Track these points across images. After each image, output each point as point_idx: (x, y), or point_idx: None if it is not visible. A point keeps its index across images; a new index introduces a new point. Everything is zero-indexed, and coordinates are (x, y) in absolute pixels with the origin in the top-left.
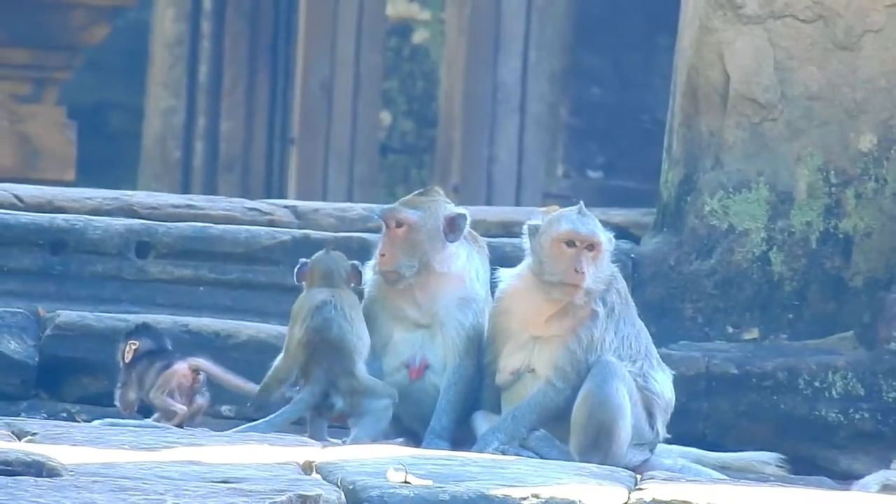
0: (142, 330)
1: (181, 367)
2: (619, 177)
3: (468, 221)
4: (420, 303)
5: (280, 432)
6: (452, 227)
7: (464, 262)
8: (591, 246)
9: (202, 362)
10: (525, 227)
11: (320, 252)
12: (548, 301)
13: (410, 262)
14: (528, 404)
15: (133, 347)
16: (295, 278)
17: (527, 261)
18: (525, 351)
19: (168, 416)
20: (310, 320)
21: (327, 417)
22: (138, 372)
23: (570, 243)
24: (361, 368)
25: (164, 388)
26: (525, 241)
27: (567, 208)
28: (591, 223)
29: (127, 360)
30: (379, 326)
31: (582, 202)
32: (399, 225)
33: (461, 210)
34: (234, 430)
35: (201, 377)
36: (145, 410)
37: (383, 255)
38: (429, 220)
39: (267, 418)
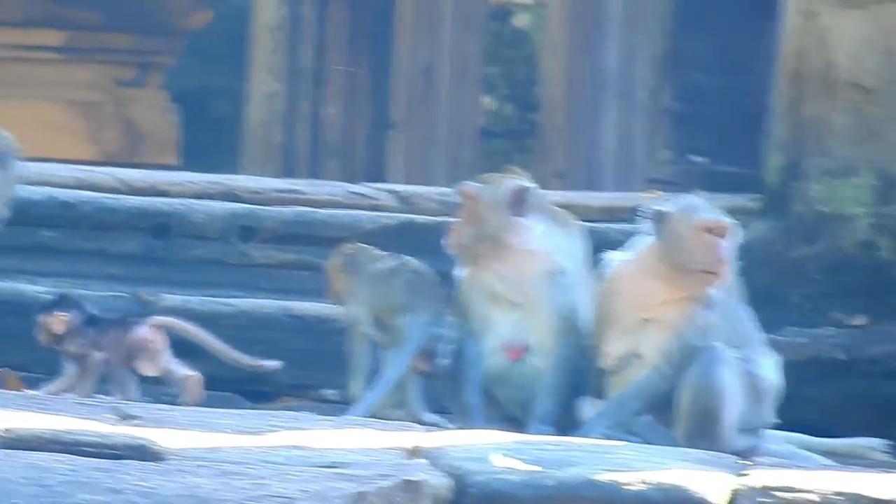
0: (65, 301)
1: (144, 331)
2: (724, 162)
3: (533, 194)
4: (507, 278)
5: (381, 416)
6: (518, 200)
7: (541, 236)
8: (728, 235)
9: (167, 320)
10: (649, 212)
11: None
12: (672, 286)
13: (472, 234)
14: (634, 390)
15: (63, 319)
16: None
17: (643, 243)
18: (632, 335)
19: (180, 383)
20: (397, 262)
21: (426, 355)
22: (80, 344)
23: (713, 232)
24: None
25: (133, 357)
26: (645, 226)
27: (691, 195)
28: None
29: (60, 333)
30: (476, 308)
31: (697, 190)
32: (465, 200)
33: (526, 183)
34: (384, 375)
35: (165, 338)
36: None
37: (451, 231)
38: (491, 194)
39: (400, 352)
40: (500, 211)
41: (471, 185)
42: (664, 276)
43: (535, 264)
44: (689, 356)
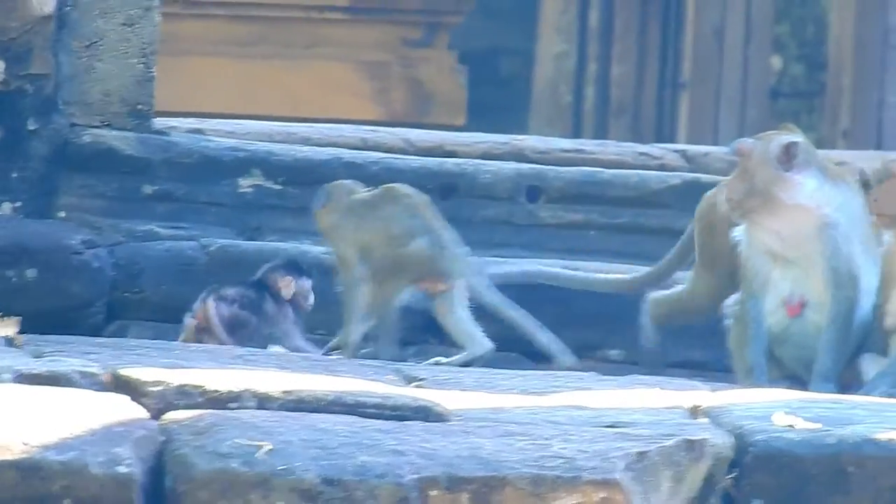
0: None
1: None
2: None
3: (803, 149)
4: (779, 234)
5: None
6: (787, 155)
7: (811, 191)
8: None
9: (211, 310)
10: None
11: None
12: None
13: (743, 190)
14: None
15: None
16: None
17: None
18: None
19: None
20: None
21: None
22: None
23: None
24: None
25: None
26: None
27: None
28: None
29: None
30: (755, 266)
31: None
32: (739, 156)
33: (794, 138)
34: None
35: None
36: None
37: (725, 187)
38: (760, 148)
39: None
40: (769, 166)
41: (744, 141)
42: None
43: (806, 219)
44: None
